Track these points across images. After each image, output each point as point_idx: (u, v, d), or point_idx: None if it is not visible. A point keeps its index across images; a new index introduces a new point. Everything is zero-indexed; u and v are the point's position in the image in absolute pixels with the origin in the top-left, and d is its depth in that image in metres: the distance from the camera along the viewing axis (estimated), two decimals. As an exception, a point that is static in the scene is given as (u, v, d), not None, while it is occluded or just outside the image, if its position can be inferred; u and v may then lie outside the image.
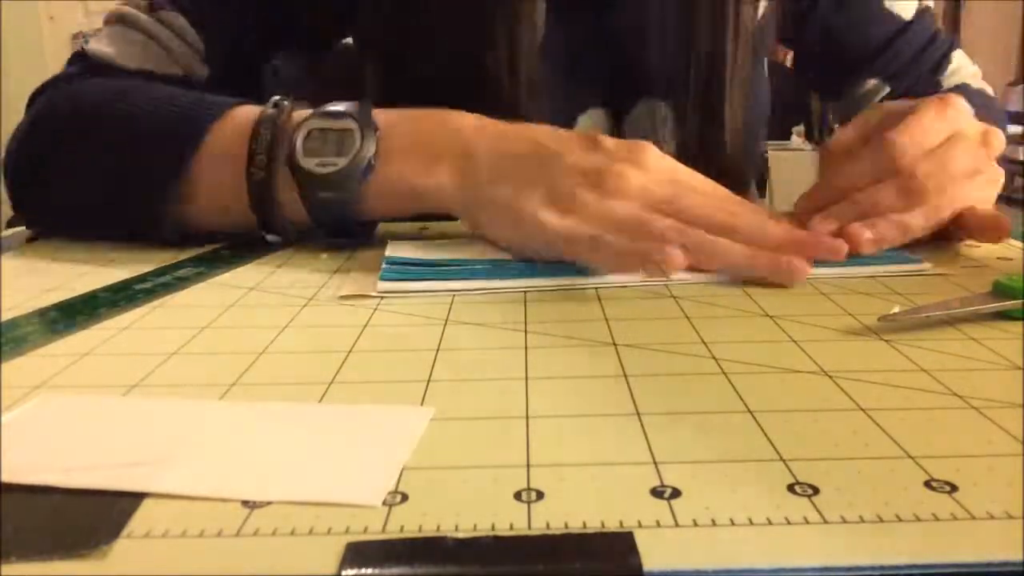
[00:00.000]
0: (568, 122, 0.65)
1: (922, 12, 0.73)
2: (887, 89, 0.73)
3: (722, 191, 0.48)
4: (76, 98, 0.55)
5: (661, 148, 0.49)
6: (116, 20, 0.60)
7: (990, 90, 0.76)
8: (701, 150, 0.64)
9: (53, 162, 0.53)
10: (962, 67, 0.74)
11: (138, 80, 0.57)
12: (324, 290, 0.44)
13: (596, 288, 0.43)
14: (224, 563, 0.20)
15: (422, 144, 0.49)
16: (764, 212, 0.47)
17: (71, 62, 0.60)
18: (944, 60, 0.73)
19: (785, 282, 0.43)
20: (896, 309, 0.37)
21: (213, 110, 0.51)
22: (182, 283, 0.45)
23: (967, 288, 0.42)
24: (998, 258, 0.49)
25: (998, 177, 0.50)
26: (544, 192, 0.45)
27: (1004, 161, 0.67)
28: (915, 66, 0.73)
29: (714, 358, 0.33)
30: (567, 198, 0.44)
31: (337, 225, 0.51)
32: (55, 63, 3.54)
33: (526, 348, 0.35)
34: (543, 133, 0.48)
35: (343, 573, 0.20)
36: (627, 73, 0.66)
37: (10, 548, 0.21)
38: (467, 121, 0.49)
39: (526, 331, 0.37)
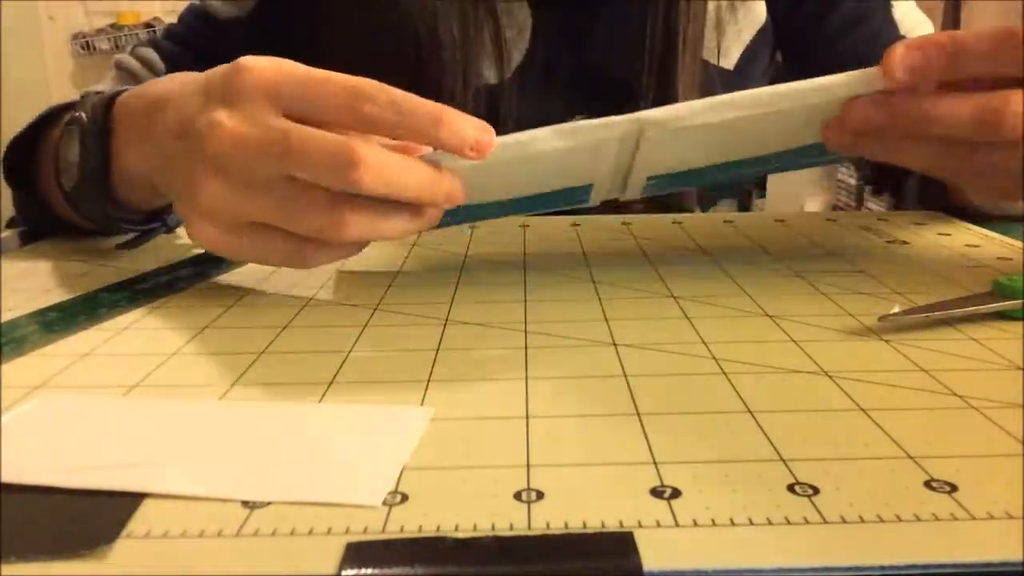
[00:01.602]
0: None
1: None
2: None
3: (345, 87, 0.37)
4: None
5: None
6: (114, 66, 0.70)
7: None
8: None
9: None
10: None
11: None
12: (324, 290, 0.44)
13: (594, 282, 0.43)
14: (224, 563, 0.20)
15: (136, 129, 0.46)
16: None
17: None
18: None
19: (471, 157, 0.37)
20: (896, 309, 0.37)
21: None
22: (182, 283, 0.45)
23: (967, 288, 0.42)
24: (998, 258, 0.49)
25: None
26: (177, 186, 0.41)
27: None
28: None
29: (714, 358, 0.33)
30: (191, 188, 0.39)
31: (114, 220, 0.49)
32: (55, 63, 3.55)
33: (526, 348, 0.35)
34: (181, 85, 0.43)
35: (343, 573, 0.20)
36: (596, 83, 0.67)
37: (10, 548, 0.21)
38: (160, 88, 0.45)
39: (526, 331, 0.37)
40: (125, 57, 0.70)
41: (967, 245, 0.52)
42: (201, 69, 0.46)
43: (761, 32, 0.71)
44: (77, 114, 0.47)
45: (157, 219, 0.51)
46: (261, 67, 0.38)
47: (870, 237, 0.55)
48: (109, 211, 0.48)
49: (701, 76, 0.67)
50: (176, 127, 0.40)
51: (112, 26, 3.45)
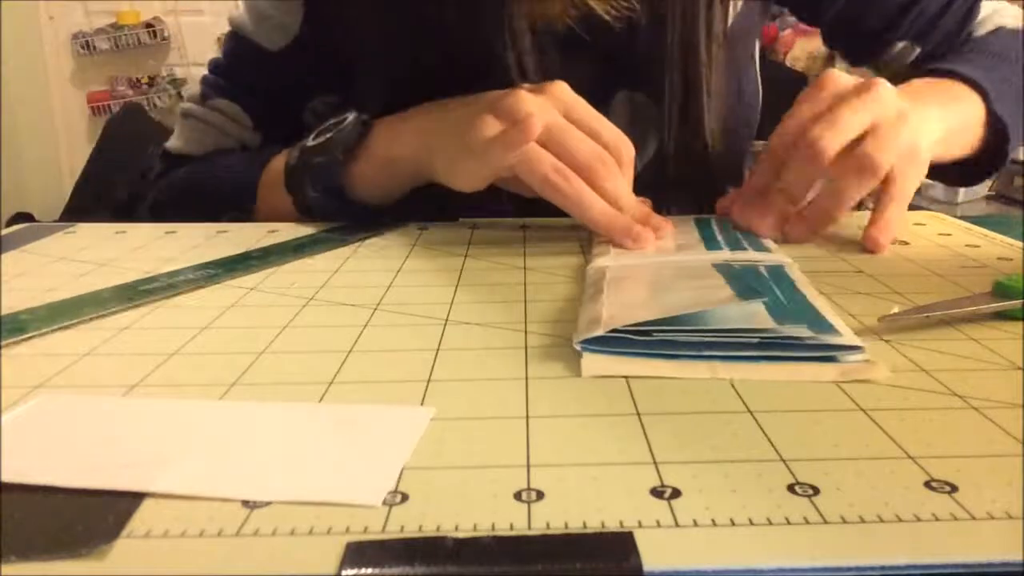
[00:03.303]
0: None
1: None
2: (917, 50, 0.71)
3: (611, 138, 0.52)
4: (171, 184, 0.72)
5: (640, 144, 0.59)
6: (182, 116, 0.74)
7: None
8: (681, 143, 0.65)
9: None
10: (996, 11, 0.71)
11: (213, 159, 0.72)
12: (324, 290, 0.44)
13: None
14: (224, 563, 0.20)
15: (390, 126, 0.59)
16: (620, 176, 0.52)
17: (160, 160, 0.75)
18: (972, 10, 0.70)
19: (628, 247, 0.49)
20: (896, 309, 0.37)
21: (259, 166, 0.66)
22: (183, 283, 0.45)
23: (967, 288, 0.42)
24: (998, 258, 0.49)
25: (919, 157, 0.52)
26: (460, 125, 0.53)
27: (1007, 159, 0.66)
28: (941, 22, 0.70)
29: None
30: (473, 122, 0.51)
31: (332, 195, 0.59)
32: (55, 63, 3.55)
33: (526, 348, 0.35)
34: (488, 93, 0.55)
35: (343, 573, 0.20)
36: (610, 64, 0.66)
37: (10, 548, 0.21)
38: (425, 107, 0.59)
39: (526, 331, 0.37)
40: (197, 109, 0.72)
41: (967, 245, 0.52)
42: (275, 104, 0.71)
43: None
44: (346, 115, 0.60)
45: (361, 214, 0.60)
46: (564, 86, 0.53)
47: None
48: (337, 176, 0.59)
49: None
50: (468, 105, 0.54)
51: (112, 26, 3.45)
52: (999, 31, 0.70)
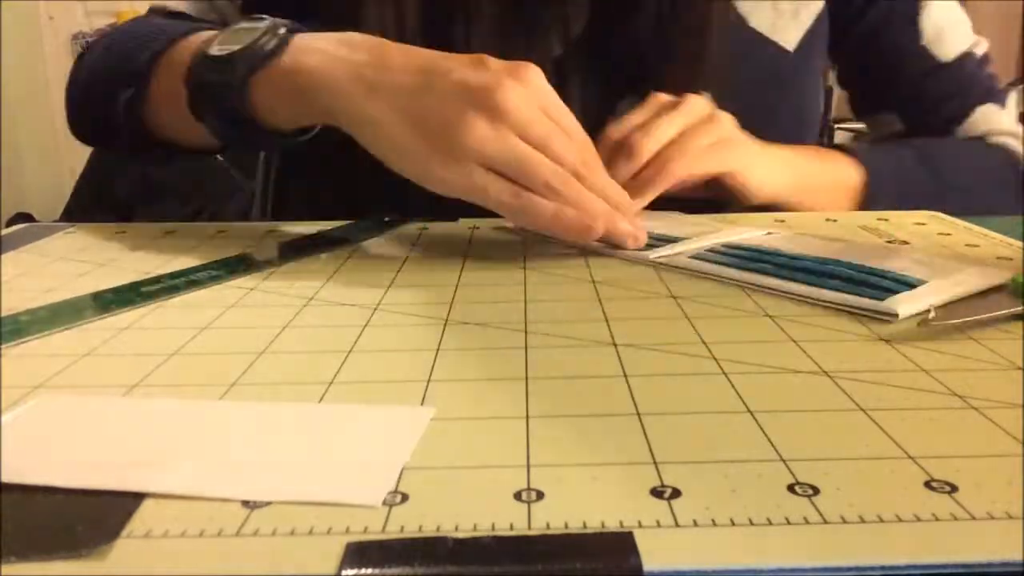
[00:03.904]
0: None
1: (964, 56, 0.71)
2: (900, 127, 0.72)
3: (583, 137, 0.50)
4: (119, 28, 0.67)
5: None
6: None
7: (1010, 150, 0.72)
8: None
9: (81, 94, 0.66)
10: (992, 121, 0.72)
11: (167, 19, 0.66)
12: (324, 290, 0.44)
13: (594, 282, 0.43)
14: (224, 563, 0.20)
15: (313, 47, 0.50)
16: (600, 166, 0.50)
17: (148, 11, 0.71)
18: (968, 111, 0.71)
19: (621, 246, 0.48)
20: (932, 313, 0.36)
21: (176, 32, 0.58)
22: (184, 284, 0.45)
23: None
24: (998, 258, 0.49)
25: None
26: (423, 121, 0.45)
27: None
28: (933, 111, 0.71)
29: (714, 358, 0.33)
30: (447, 127, 0.45)
31: (222, 117, 0.52)
32: (55, 63, 3.55)
33: (526, 348, 0.35)
34: (431, 52, 0.49)
35: (343, 573, 0.20)
36: (617, 71, 0.67)
37: (10, 548, 0.21)
38: (363, 38, 0.50)
39: (526, 331, 0.37)
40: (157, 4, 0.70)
41: (967, 245, 0.52)
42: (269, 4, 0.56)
43: (820, 19, 0.69)
44: (261, 17, 0.52)
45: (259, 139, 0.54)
46: (542, 76, 0.48)
47: (870, 236, 0.55)
48: (240, 96, 0.50)
49: (754, 54, 0.67)
50: (427, 74, 0.46)
51: (112, 26, 3.46)
52: (972, 142, 0.71)
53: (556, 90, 0.49)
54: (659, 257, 0.48)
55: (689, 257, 0.47)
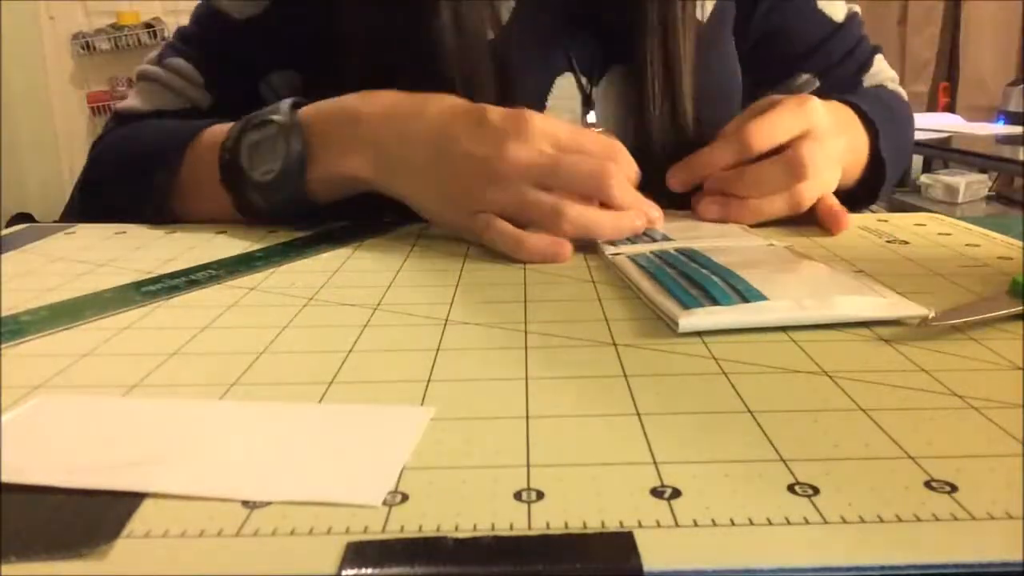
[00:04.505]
0: (544, 87, 0.68)
1: (851, 17, 0.78)
2: (817, 83, 0.78)
3: (599, 145, 0.52)
4: (107, 146, 0.71)
5: (629, 117, 0.65)
6: (137, 78, 0.74)
7: (903, 95, 0.82)
8: (662, 119, 0.67)
9: (103, 188, 0.69)
10: (882, 71, 0.80)
11: (150, 120, 0.71)
12: (324, 290, 0.44)
13: (594, 282, 0.43)
14: (224, 563, 0.20)
15: (337, 137, 0.57)
16: (626, 167, 0.53)
17: (109, 120, 0.76)
18: (867, 63, 0.79)
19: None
20: (932, 314, 0.36)
21: (188, 134, 0.63)
22: (184, 284, 0.45)
23: (969, 288, 0.42)
24: (998, 258, 0.49)
25: (836, 173, 0.58)
26: (443, 190, 0.53)
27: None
28: (842, 66, 0.78)
29: (714, 358, 0.33)
30: (464, 194, 0.52)
31: (301, 215, 0.59)
32: (55, 63, 3.55)
33: (526, 348, 0.35)
34: (439, 115, 0.54)
35: (343, 573, 0.20)
36: (598, 41, 0.69)
37: (10, 548, 0.21)
38: (371, 109, 0.56)
39: (526, 331, 0.37)
40: (151, 69, 0.72)
41: (967, 245, 0.52)
42: (230, 69, 0.68)
43: None
44: (269, 117, 0.58)
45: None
46: (541, 116, 0.52)
47: (870, 237, 0.55)
48: (299, 199, 0.57)
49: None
50: (438, 147, 0.53)
51: (112, 26, 3.46)
52: (881, 88, 0.79)
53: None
54: (613, 253, 0.48)
55: (629, 257, 0.47)
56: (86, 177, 0.70)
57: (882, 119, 0.67)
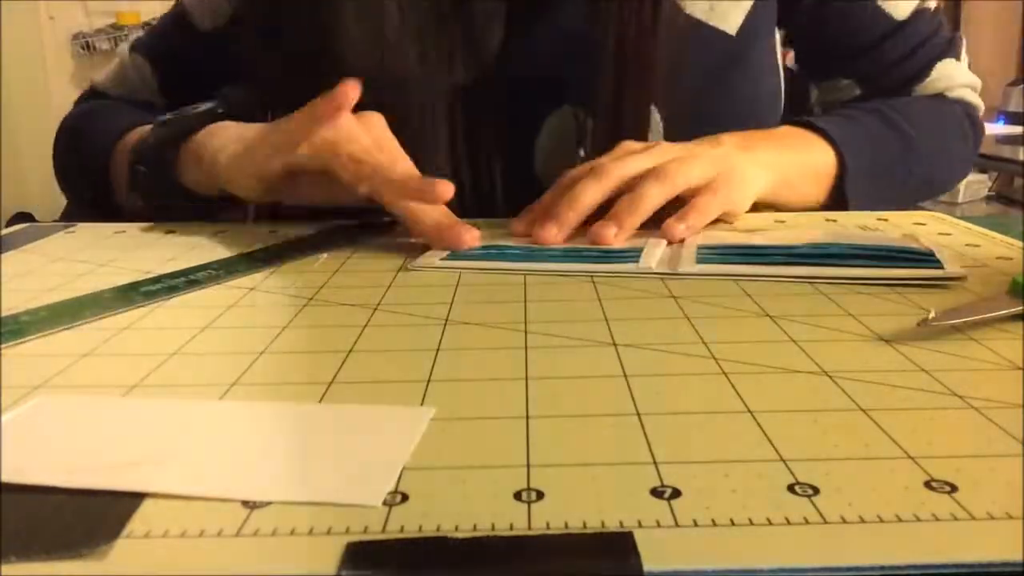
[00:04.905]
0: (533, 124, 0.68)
1: (918, 13, 0.70)
2: (857, 91, 0.72)
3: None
4: (72, 116, 0.78)
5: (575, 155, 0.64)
6: (117, 54, 0.79)
7: (977, 106, 0.74)
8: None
9: (57, 156, 0.77)
10: (945, 77, 0.72)
11: (110, 104, 0.77)
12: (324, 290, 0.44)
13: (594, 282, 0.43)
14: (224, 563, 0.20)
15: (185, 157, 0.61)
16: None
17: (86, 91, 0.82)
18: (924, 71, 0.71)
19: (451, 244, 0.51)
20: (932, 314, 0.36)
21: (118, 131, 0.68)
22: (184, 285, 0.45)
23: (969, 288, 0.42)
24: (998, 258, 0.49)
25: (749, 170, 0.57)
26: (256, 139, 0.57)
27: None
28: (892, 73, 0.71)
29: (714, 358, 0.33)
30: (286, 135, 0.55)
31: (163, 193, 0.62)
32: (55, 63, 3.55)
33: (526, 348, 0.35)
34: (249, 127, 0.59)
35: (343, 573, 0.20)
36: (545, 81, 0.66)
37: (10, 548, 0.21)
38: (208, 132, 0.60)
39: (526, 331, 0.37)
40: (125, 55, 0.78)
41: (967, 245, 0.52)
42: (185, 77, 0.74)
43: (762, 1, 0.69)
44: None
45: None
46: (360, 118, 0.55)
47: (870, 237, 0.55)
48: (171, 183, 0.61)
49: (694, 41, 0.66)
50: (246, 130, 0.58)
51: (112, 26, 3.45)
52: (936, 99, 0.71)
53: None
54: (661, 269, 0.46)
55: (695, 263, 0.47)
56: (55, 142, 0.76)
57: (855, 133, 0.64)
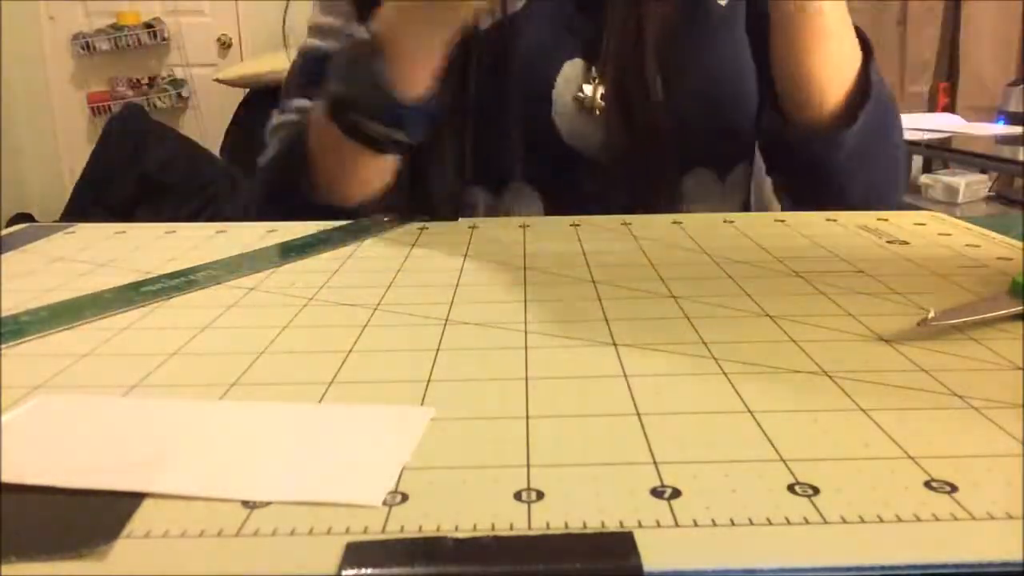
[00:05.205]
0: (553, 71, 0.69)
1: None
2: None
3: None
4: (263, 168, 0.74)
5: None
6: (269, 135, 0.74)
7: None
8: (622, 89, 0.67)
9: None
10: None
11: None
12: (324, 290, 0.44)
13: (595, 282, 0.43)
14: (224, 563, 0.20)
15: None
16: None
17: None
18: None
19: None
20: (932, 314, 0.36)
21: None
22: (184, 285, 0.45)
23: (969, 288, 0.42)
24: (998, 258, 0.49)
25: None
26: None
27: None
28: None
29: (714, 358, 0.33)
30: None
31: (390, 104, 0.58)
32: (55, 63, 3.55)
33: (526, 348, 0.35)
34: None
35: (343, 573, 0.20)
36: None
37: (10, 548, 0.21)
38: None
39: (526, 331, 0.37)
40: (276, 120, 0.74)
41: (967, 245, 0.52)
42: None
43: None
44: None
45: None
46: None
47: (870, 237, 0.55)
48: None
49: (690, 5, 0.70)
50: None
51: (112, 26, 3.46)
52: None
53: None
54: None
55: None
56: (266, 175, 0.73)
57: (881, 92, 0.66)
